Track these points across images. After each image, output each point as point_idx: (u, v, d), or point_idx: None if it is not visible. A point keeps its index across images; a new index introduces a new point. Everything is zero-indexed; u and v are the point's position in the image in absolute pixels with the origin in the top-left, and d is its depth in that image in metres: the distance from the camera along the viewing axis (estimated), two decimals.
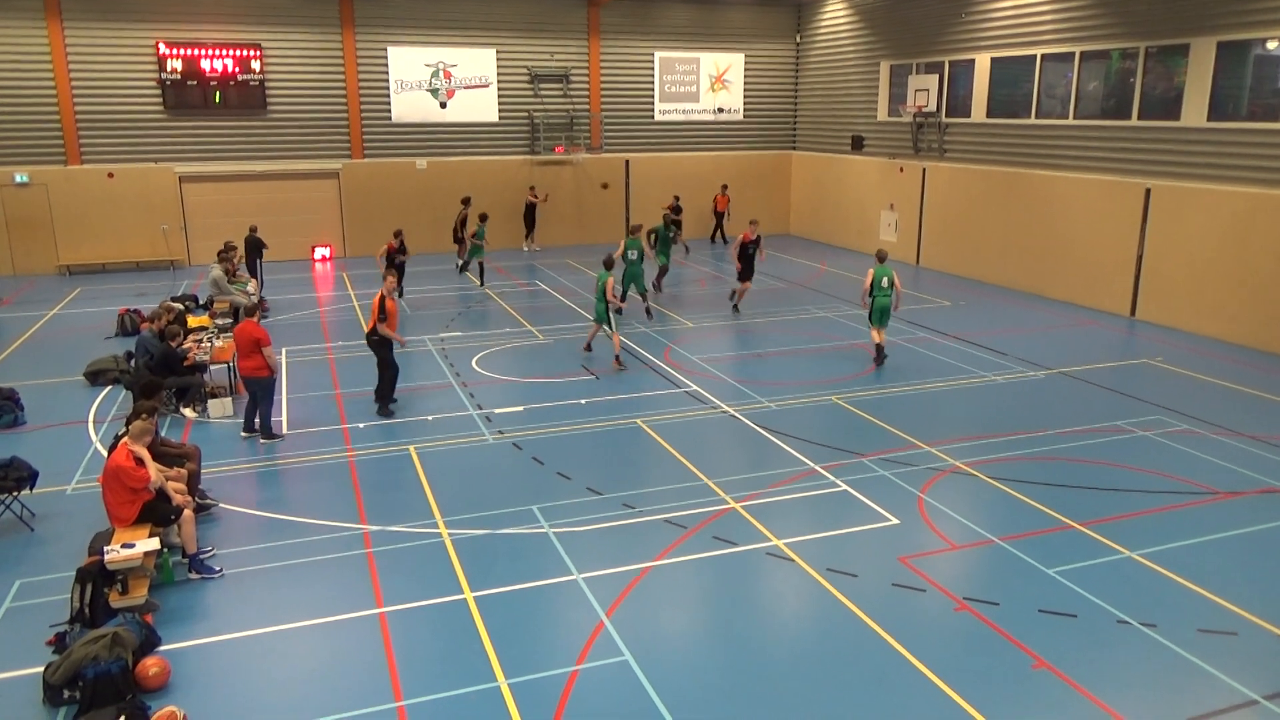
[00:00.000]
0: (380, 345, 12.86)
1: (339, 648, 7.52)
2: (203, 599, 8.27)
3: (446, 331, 17.83)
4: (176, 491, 8.85)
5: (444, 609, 8.05)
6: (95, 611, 7.58)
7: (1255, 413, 13.11)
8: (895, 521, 9.68)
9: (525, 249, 27.76)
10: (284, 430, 12.39)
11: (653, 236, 21.05)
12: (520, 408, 13.35)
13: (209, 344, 14.32)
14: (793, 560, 8.86)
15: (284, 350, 16.38)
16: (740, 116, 30.51)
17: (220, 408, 13.07)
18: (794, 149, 31.35)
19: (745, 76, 30.20)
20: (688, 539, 9.30)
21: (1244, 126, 16.86)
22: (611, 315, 15.21)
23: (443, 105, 26.98)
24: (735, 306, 19.41)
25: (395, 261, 18.93)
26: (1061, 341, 17.08)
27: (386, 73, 26.23)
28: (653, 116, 29.45)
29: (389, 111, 26.49)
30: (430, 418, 12.93)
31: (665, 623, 7.91)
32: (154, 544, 8.10)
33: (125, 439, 8.81)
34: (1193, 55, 17.50)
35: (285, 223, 25.70)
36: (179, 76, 24.21)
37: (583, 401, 13.57)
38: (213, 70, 24.44)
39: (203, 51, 24.27)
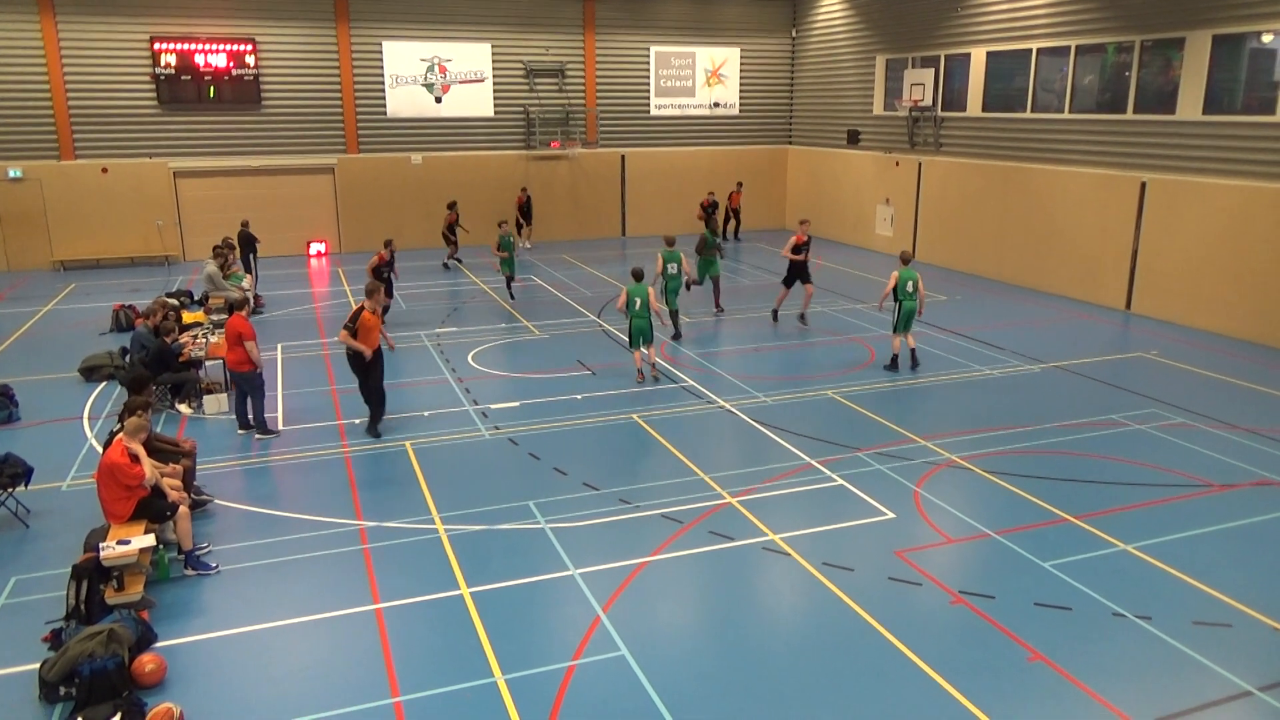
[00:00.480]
0: (356, 364, 11.83)
1: (335, 644, 7.52)
2: (199, 595, 8.26)
3: (442, 327, 17.81)
4: (172, 488, 8.83)
5: (440, 605, 8.05)
6: (91, 608, 7.57)
7: (1250, 406, 13.14)
8: (891, 515, 9.70)
9: (522, 245, 27.75)
10: (279, 426, 12.38)
11: (702, 244, 18.65)
12: (516, 403, 13.34)
13: (204, 340, 14.29)
14: (789, 555, 8.87)
15: (279, 345, 16.36)
16: (736, 111, 30.47)
17: (215, 403, 13.04)
18: (790, 143, 31.34)
19: (741, 71, 30.16)
20: (684, 534, 9.31)
21: (1239, 120, 16.87)
22: (658, 318, 14.29)
23: (438, 100, 26.92)
24: (802, 316, 17.88)
25: (383, 275, 17.28)
26: (1057, 335, 17.11)
27: (381, 67, 26.16)
28: (648, 111, 29.41)
29: (384, 106, 26.42)
30: (426, 413, 12.92)
31: (662, 618, 7.92)
32: (149, 540, 8.08)
33: (120, 435, 8.79)
34: (1188, 48, 17.50)
35: (280, 218, 25.66)
36: (173, 71, 24.13)
37: (579, 397, 13.56)
38: (207, 65, 24.35)
39: (197, 46, 24.19)
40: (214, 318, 15.97)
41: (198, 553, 8.73)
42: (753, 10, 29.80)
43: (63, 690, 6.75)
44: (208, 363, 13.80)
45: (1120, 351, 16.12)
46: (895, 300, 14.58)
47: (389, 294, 16.89)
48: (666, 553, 8.92)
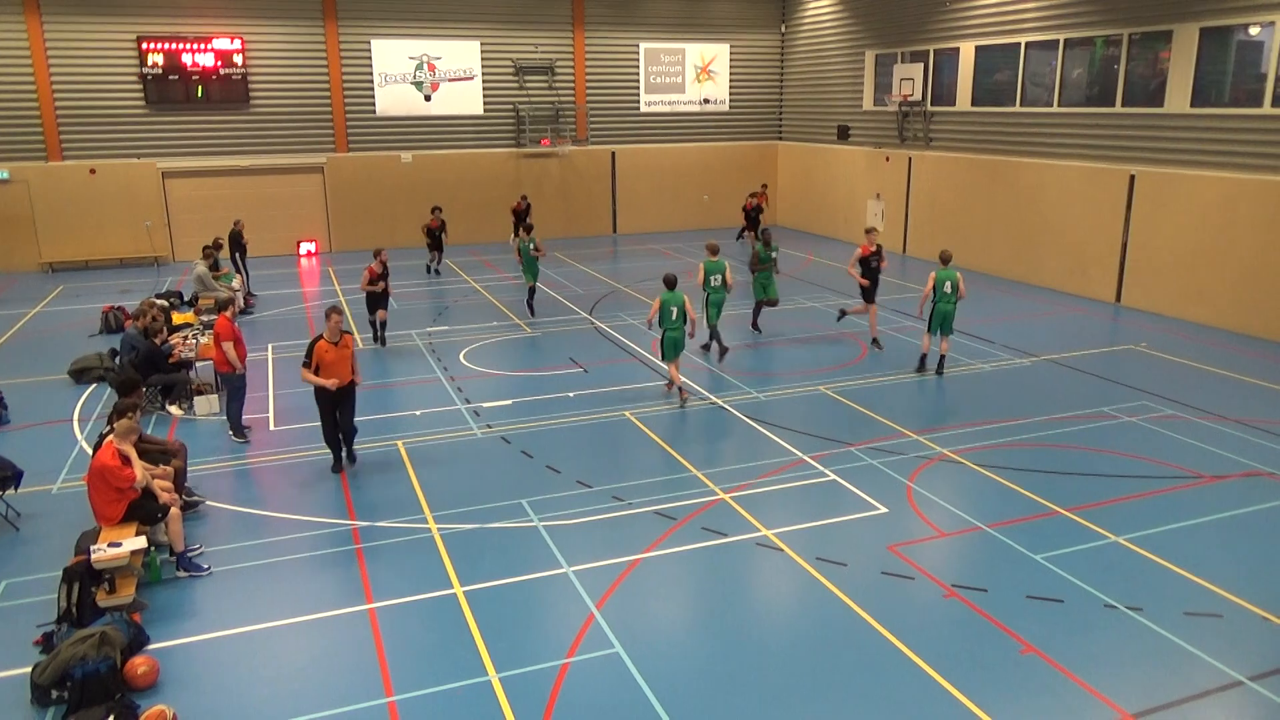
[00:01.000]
0: (320, 398, 10.54)
1: (329, 644, 7.51)
2: (191, 597, 8.23)
3: (434, 326, 17.78)
4: (163, 489, 8.79)
5: (434, 604, 8.04)
6: (83, 611, 7.53)
7: (1239, 397, 13.20)
8: (884, 510, 9.72)
9: (510, 243, 27.69)
10: (271, 426, 12.33)
11: (755, 260, 16.44)
12: (509, 401, 13.32)
13: (194, 341, 14.24)
14: (782, 550, 8.88)
15: (270, 346, 16.31)
16: (726, 107, 30.48)
17: (206, 405, 12.99)
18: (780, 139, 31.35)
19: (731, 67, 30.17)
20: (677, 530, 9.32)
21: (1227, 112, 16.94)
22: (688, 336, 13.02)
23: (427, 98, 26.85)
24: (875, 341, 15.93)
25: (378, 288, 15.93)
26: (1047, 328, 17.16)
27: (370, 65, 26.09)
28: (638, 108, 29.40)
29: (373, 105, 26.35)
30: (418, 412, 12.89)
31: (655, 614, 7.92)
32: (141, 542, 8.05)
33: (110, 437, 8.75)
34: (1176, 42, 17.56)
35: (270, 218, 25.57)
36: (160, 71, 24.03)
37: (571, 394, 13.55)
38: (195, 65, 24.25)
39: (184, 45, 24.08)
40: (204, 319, 15.91)
41: (190, 554, 8.70)
42: (742, 6, 29.79)
43: (55, 694, 6.72)
44: (198, 364, 13.74)
45: (1110, 344, 16.18)
46: (932, 301, 14.07)
47: (384, 306, 16.15)
48: (660, 549, 8.93)
